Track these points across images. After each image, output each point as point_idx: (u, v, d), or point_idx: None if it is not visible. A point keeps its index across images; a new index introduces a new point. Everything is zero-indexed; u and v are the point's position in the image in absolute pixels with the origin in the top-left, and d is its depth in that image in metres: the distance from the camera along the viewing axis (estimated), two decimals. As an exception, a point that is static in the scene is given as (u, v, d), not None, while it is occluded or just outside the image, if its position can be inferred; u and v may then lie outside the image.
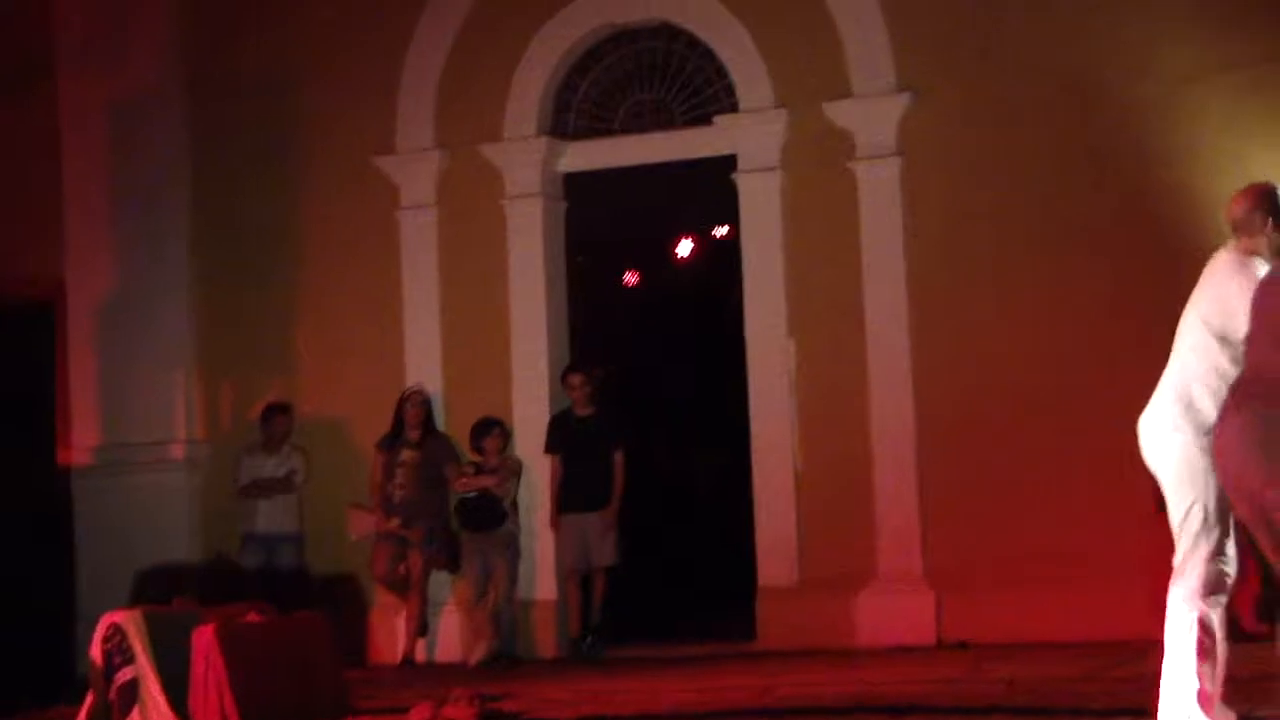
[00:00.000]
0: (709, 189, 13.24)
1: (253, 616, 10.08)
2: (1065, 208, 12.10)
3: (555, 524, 12.85)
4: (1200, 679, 6.55)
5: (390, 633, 13.38)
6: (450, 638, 13.10)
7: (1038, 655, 11.01)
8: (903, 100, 12.54)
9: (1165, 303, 11.53)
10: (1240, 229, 6.81)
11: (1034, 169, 12.22)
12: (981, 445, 12.12)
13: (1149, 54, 12.02)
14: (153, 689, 9.57)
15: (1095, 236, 11.99)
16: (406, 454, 13.01)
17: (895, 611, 12.20)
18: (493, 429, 12.91)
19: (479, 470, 12.85)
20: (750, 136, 13.02)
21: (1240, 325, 6.21)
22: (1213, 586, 6.59)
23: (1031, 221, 12.22)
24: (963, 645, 11.96)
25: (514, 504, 12.87)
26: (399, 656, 13.08)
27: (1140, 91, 11.98)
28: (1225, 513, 6.50)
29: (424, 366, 13.57)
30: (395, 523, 12.92)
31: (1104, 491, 11.56)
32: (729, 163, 13.03)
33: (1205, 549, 6.57)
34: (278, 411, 13.59)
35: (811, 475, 12.53)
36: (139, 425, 13.99)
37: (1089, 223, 11.99)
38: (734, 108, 13.11)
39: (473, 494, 12.75)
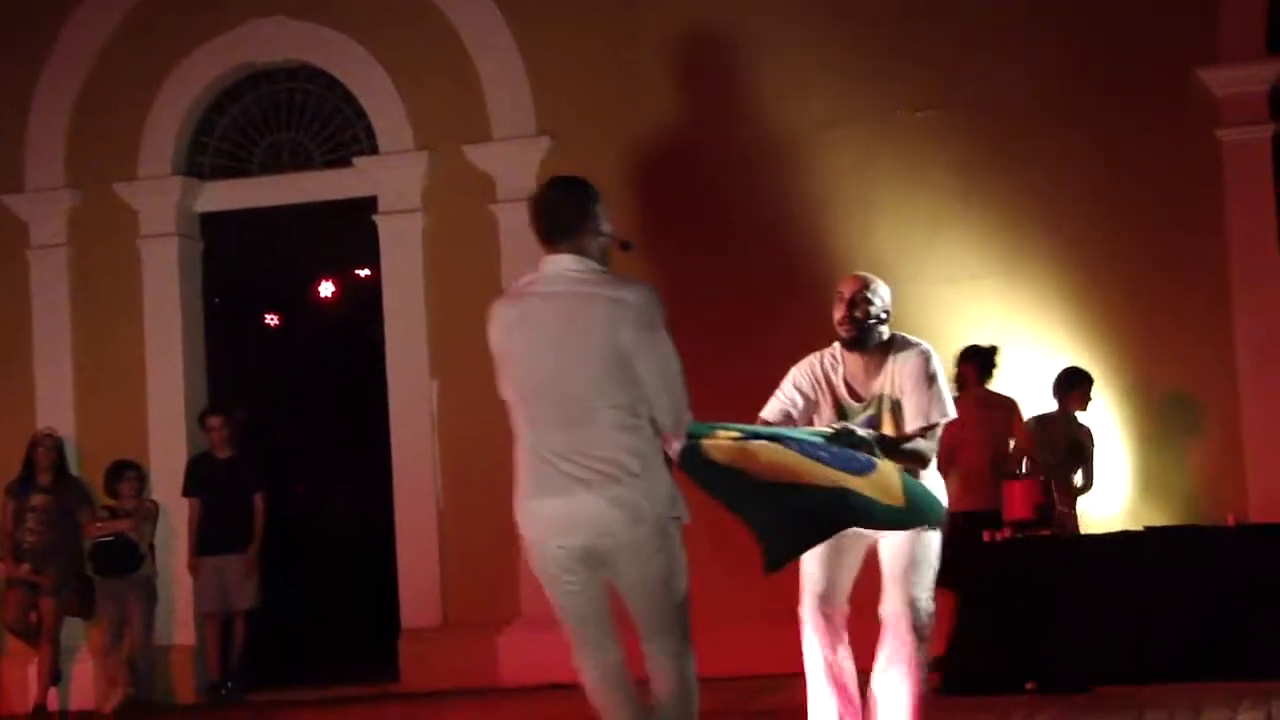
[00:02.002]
0: (350, 230, 13.01)
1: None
2: (702, 250, 12.19)
3: (194, 567, 12.46)
4: None
5: (21, 681, 12.85)
6: (84, 685, 12.61)
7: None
8: (543, 144, 12.51)
9: (792, 342, 11.81)
10: None
11: (672, 212, 12.26)
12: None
13: (784, 101, 12.20)
14: None
15: (730, 278, 12.10)
16: (37, 498, 12.49)
17: (539, 650, 11.99)
18: (128, 472, 12.48)
19: (114, 514, 12.39)
20: (390, 178, 12.85)
21: None
22: None
23: (670, 265, 12.21)
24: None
25: (150, 547, 12.43)
26: (30, 706, 12.53)
27: (775, 137, 12.15)
28: None
29: (55, 409, 13.06)
30: (26, 569, 12.40)
31: (738, 538, 11.61)
32: (370, 204, 12.83)
33: None
34: (-98, 455, 12.91)
35: (454, 516, 12.34)
36: None
37: (725, 266, 12.11)
38: (374, 150, 12.94)
39: (108, 538, 12.28)
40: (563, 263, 5.52)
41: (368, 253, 13.07)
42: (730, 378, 11.70)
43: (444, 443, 12.47)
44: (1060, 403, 11.09)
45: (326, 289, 14.98)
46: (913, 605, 6.58)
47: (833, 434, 6.42)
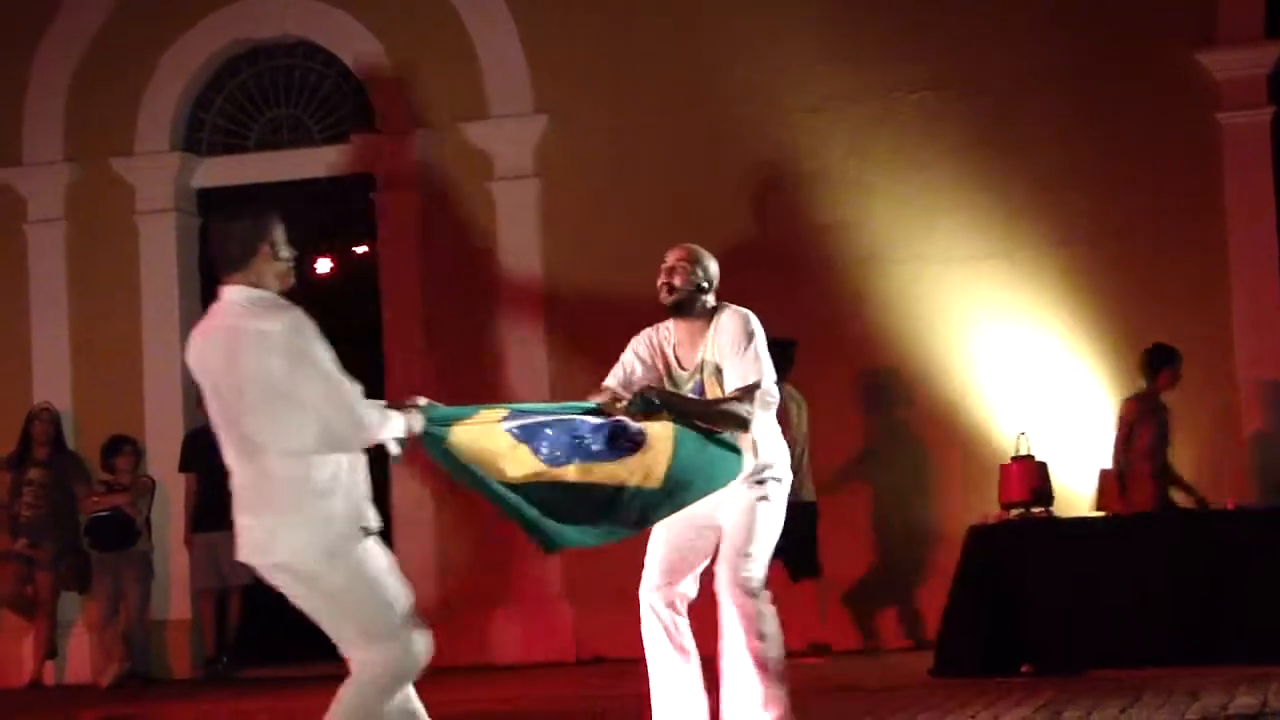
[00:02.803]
0: (348, 207, 13.01)
1: None
2: (697, 230, 12.05)
3: (190, 542, 12.39)
4: None
5: (17, 656, 12.83)
6: (80, 659, 12.57)
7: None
8: (540, 121, 12.46)
9: (788, 318, 11.77)
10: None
11: (668, 192, 12.23)
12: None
13: (778, 84, 12.16)
14: None
15: (725, 259, 11.98)
16: (34, 472, 12.46)
17: (534, 629, 12.13)
18: (124, 447, 12.40)
19: (110, 489, 12.31)
20: (390, 155, 12.77)
21: None
22: None
23: (664, 245, 12.15)
24: (599, 660, 11.88)
25: (147, 522, 12.37)
26: (26, 679, 12.54)
27: (772, 117, 12.09)
28: None
29: (52, 383, 13.01)
30: (22, 543, 12.39)
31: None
32: (369, 181, 12.82)
33: None
34: (-106, 426, 12.83)
35: (451, 496, 12.21)
36: None
37: (720, 246, 11.97)
38: (372, 126, 12.88)
39: (104, 513, 12.20)
40: (229, 294, 5.49)
41: (366, 229, 13.02)
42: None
43: (441, 421, 12.39)
44: (1150, 380, 10.90)
45: (324, 265, 14.86)
46: (738, 585, 6.48)
47: (630, 401, 6.41)
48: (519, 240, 12.46)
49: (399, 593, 5.50)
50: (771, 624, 6.52)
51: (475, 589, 12.15)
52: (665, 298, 6.77)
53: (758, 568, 6.54)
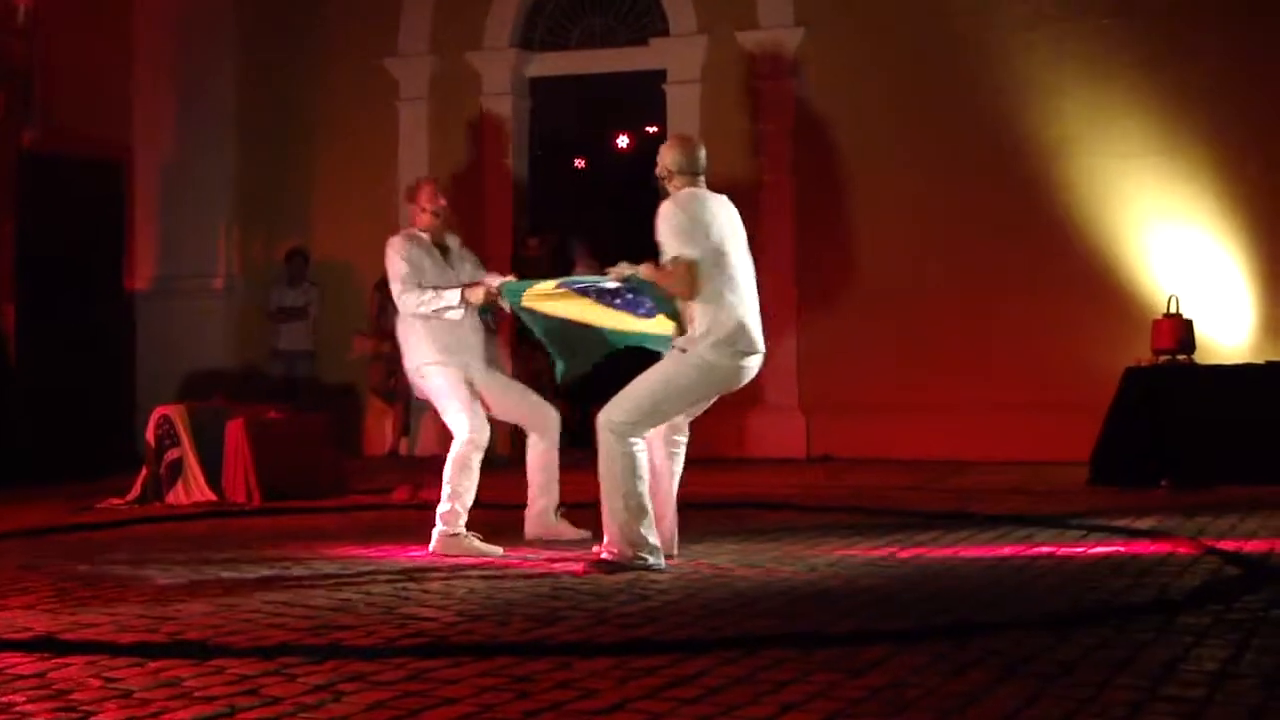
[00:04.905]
0: (644, 96, 13.16)
1: (273, 413, 10.08)
2: (925, 128, 12.19)
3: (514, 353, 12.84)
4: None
5: (380, 431, 13.39)
6: (429, 436, 12.96)
7: (881, 468, 11.18)
8: (799, 33, 12.47)
9: (1007, 210, 11.71)
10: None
11: (902, 91, 12.22)
12: (846, 310, 12.20)
13: (995, 4, 12.04)
14: (193, 467, 9.63)
15: (950, 153, 12.11)
16: (400, 293, 12.93)
17: (775, 430, 12.30)
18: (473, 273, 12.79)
19: (458, 305, 12.73)
20: (677, 56, 12.91)
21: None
22: None
23: (898, 139, 12.27)
24: (826, 458, 12.11)
25: (490, 331, 12.73)
26: (386, 449, 13.12)
27: (987, 36, 12.00)
28: None
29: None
30: (388, 345, 12.78)
31: (936, 347, 11.82)
32: (661, 76, 12.94)
33: None
34: (298, 254, 13.43)
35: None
36: (189, 261, 13.85)
37: (945, 142, 12.13)
38: (666, 32, 12.99)
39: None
40: None
41: (657, 114, 13.17)
42: (956, 235, 11.73)
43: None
44: None
45: (623, 141, 15.14)
46: (601, 419, 6.24)
47: (625, 277, 6.56)
48: (778, 127, 12.57)
49: (464, 401, 7.16)
50: (616, 466, 6.11)
51: (730, 395, 12.38)
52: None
53: (625, 410, 6.18)
